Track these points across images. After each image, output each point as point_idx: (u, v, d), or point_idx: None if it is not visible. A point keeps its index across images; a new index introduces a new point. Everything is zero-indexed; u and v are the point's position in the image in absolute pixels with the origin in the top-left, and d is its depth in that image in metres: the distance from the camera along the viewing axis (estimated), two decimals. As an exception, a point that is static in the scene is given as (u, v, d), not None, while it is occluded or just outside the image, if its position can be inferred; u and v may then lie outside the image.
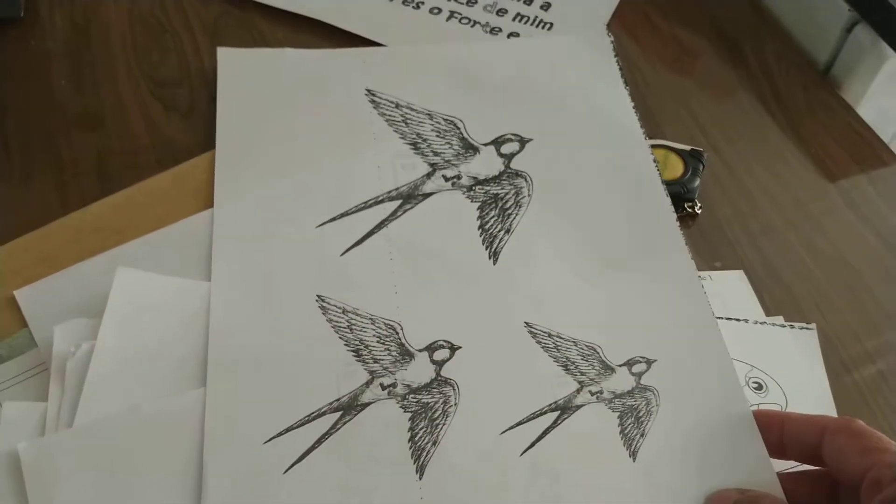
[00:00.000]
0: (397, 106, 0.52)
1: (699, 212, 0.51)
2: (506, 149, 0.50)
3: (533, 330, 0.43)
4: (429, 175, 0.49)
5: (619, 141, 0.50)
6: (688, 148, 0.52)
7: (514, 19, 0.61)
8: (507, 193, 0.48)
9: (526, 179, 0.49)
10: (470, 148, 0.50)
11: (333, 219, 0.47)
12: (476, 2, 0.62)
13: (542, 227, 0.47)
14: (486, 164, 0.50)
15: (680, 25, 0.62)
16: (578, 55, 0.55)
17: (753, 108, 0.57)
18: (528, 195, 0.48)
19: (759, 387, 0.42)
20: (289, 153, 0.49)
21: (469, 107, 0.52)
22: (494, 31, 0.60)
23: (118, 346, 0.40)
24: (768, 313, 0.47)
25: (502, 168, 0.49)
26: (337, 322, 0.43)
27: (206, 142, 0.51)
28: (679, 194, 0.50)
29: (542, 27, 0.61)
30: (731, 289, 0.46)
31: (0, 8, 0.57)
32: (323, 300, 0.44)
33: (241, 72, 0.53)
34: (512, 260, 0.46)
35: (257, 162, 0.49)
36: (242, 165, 0.49)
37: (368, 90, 0.52)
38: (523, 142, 0.50)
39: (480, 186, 0.48)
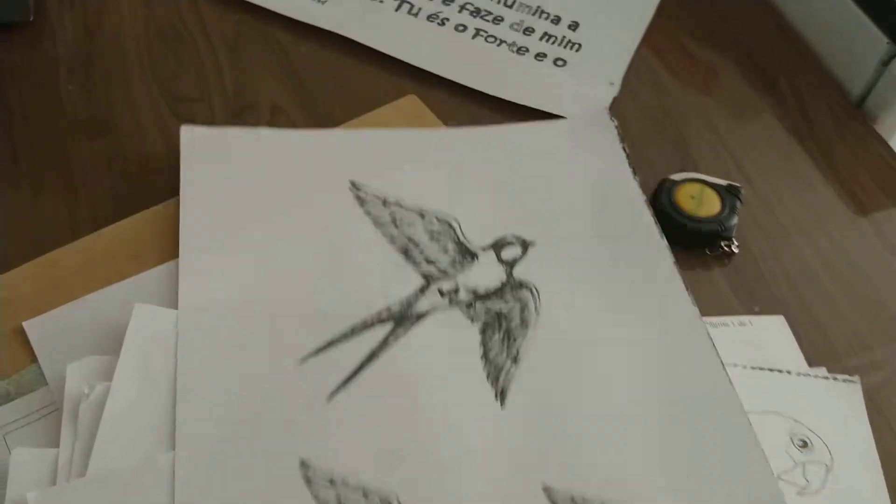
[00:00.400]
0: (385, 203, 0.46)
1: (736, 250, 0.49)
2: (507, 254, 0.45)
3: None
4: (423, 289, 0.43)
5: (631, 236, 0.47)
6: (724, 183, 0.50)
7: (541, 38, 0.59)
8: (511, 310, 0.43)
9: (532, 292, 0.44)
10: (467, 253, 0.45)
11: (318, 351, 0.40)
12: (502, 19, 0.60)
13: (551, 349, 0.42)
14: (485, 273, 0.44)
15: (710, 48, 0.60)
16: (582, 141, 0.51)
17: (785, 137, 0.56)
18: (535, 311, 0.43)
19: (804, 444, 0.40)
20: (262, 260, 0.43)
21: (464, 202, 0.47)
22: (521, 50, 0.58)
23: (135, 390, 0.38)
24: (809, 360, 0.45)
25: (504, 278, 0.44)
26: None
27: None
28: (716, 233, 0.48)
29: (570, 48, 0.59)
30: (771, 336, 0.44)
31: (9, 12, 0.54)
32: None
33: (210, 155, 0.47)
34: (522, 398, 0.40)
35: (224, 268, 0.43)
36: (208, 272, 0.43)
37: (353, 183, 0.47)
38: (525, 245, 0.46)
39: (481, 302, 0.43)
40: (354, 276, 0.44)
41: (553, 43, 0.59)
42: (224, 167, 0.47)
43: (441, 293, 0.43)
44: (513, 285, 0.44)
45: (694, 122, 0.55)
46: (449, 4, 0.60)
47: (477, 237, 0.46)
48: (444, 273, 0.44)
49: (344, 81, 0.54)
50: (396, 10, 0.60)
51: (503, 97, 0.55)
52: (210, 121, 0.51)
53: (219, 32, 0.55)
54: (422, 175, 0.48)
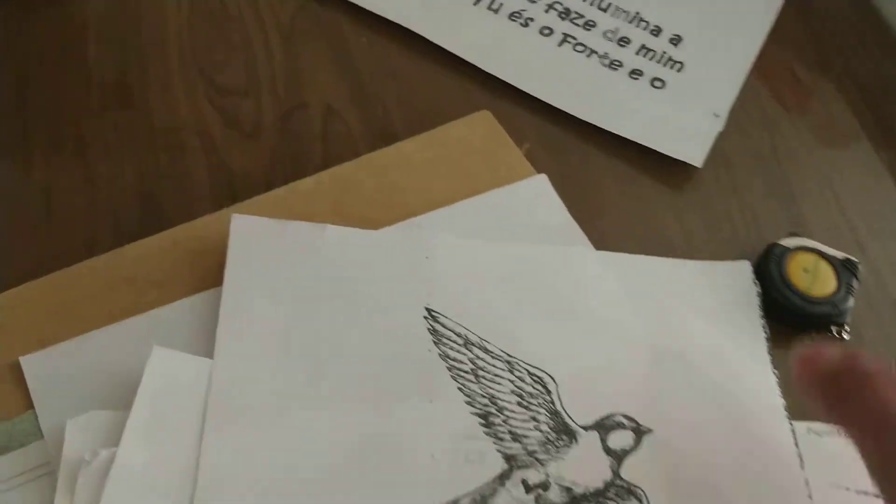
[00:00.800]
0: (467, 344, 0.37)
1: (847, 337, 0.42)
2: (615, 441, 0.35)
3: None
4: (503, 478, 0.33)
5: (761, 424, 0.37)
6: (840, 256, 0.43)
7: (637, 52, 0.51)
8: None
9: (641, 502, 0.34)
10: (564, 431, 0.35)
11: None
12: (594, 25, 0.52)
13: None
14: (586, 464, 0.35)
15: (826, 82, 0.52)
16: (720, 298, 0.40)
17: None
18: None
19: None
20: (300, 402, 0.35)
21: (568, 354, 0.37)
22: (614, 65, 0.51)
23: (144, 462, 0.32)
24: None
25: (610, 476, 0.34)
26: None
27: (272, 173, 0.43)
28: (828, 316, 0.41)
29: (671, 66, 0.51)
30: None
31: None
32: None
33: (262, 250, 0.39)
34: None
35: (252, 407, 0.35)
36: (236, 407, 0.35)
37: (430, 311, 0.38)
38: (640, 433, 0.36)
39: None
40: (413, 446, 0.35)
41: (651, 59, 0.51)
42: (277, 267, 0.38)
43: (527, 487, 0.33)
44: (619, 489, 0.34)
45: (807, 172, 0.48)
46: (535, 2, 0.53)
47: (578, 408, 0.36)
48: (533, 456, 0.34)
49: (407, 83, 0.47)
50: (476, 2, 0.52)
51: (589, 121, 0.48)
52: (255, 121, 0.45)
53: (273, 14, 0.48)
54: (518, 308, 0.39)
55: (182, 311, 0.37)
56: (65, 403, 0.34)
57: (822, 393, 0.30)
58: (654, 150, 0.46)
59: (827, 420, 0.31)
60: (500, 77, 0.49)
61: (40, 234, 0.40)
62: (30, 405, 0.34)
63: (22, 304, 0.37)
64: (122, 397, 0.34)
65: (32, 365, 0.35)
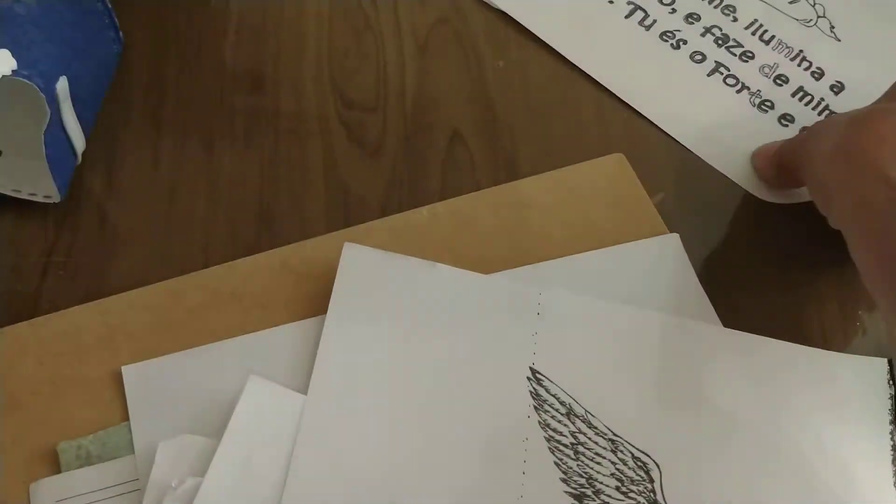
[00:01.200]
0: (570, 415, 0.35)
1: None
2: None
3: None
4: None
5: None
6: None
7: (794, 94, 0.47)
8: None
9: None
10: None
11: None
12: (753, 56, 0.48)
13: None
14: None
15: None
16: (844, 399, 0.37)
17: None
18: None
19: None
20: (386, 458, 0.34)
21: (675, 440, 0.35)
22: (764, 106, 0.47)
23: (228, 494, 0.32)
24: None
25: None
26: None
27: (388, 195, 0.42)
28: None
29: (826, 116, 0.47)
30: None
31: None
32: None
33: (369, 281, 0.37)
34: None
35: (341, 450, 0.34)
36: (324, 449, 0.34)
37: (535, 372, 0.36)
38: None
39: None
40: None
41: (807, 104, 0.47)
42: (382, 302, 0.37)
43: None
44: None
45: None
46: (692, 23, 0.49)
47: (682, 501, 0.34)
48: None
49: (541, 114, 0.45)
50: (627, 16, 0.49)
51: (732, 178, 0.44)
52: (379, 140, 0.43)
53: (411, 28, 0.46)
54: (629, 381, 0.36)
55: (283, 336, 0.37)
56: (159, 419, 0.34)
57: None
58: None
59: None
60: (641, 111, 0.46)
61: (160, 235, 0.40)
62: (125, 416, 0.35)
63: (131, 309, 0.37)
64: (214, 420, 0.34)
65: (132, 376, 0.35)
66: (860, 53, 0.49)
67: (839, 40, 0.49)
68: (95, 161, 0.41)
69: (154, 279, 0.38)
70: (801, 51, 0.49)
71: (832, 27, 0.50)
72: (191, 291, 0.38)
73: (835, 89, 0.48)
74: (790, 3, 0.50)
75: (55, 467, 0.34)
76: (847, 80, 0.48)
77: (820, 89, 0.48)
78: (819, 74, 0.48)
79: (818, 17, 0.50)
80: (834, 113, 0.47)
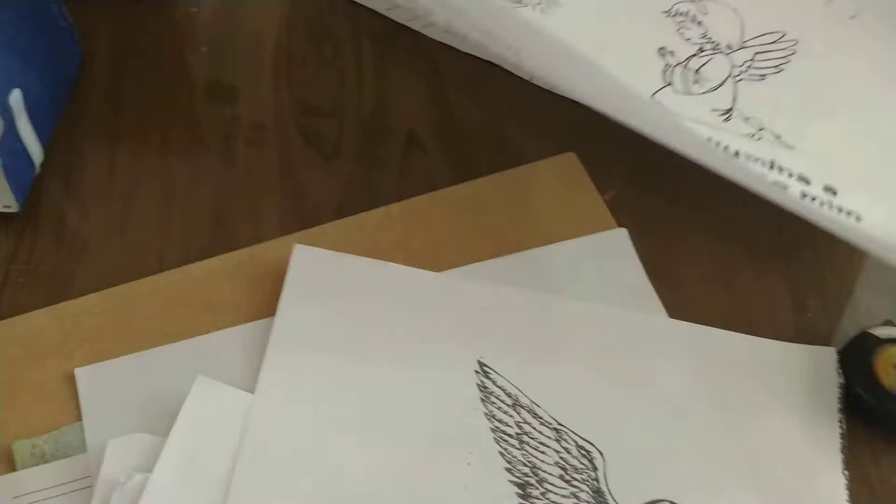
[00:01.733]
0: (516, 405, 0.35)
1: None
2: None
3: None
4: None
5: None
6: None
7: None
8: None
9: None
10: None
11: None
12: (761, 138, 0.39)
13: None
14: None
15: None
16: (791, 388, 0.37)
17: None
18: None
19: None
20: (334, 455, 0.34)
21: (619, 428, 0.35)
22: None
23: (175, 491, 0.33)
24: None
25: None
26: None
27: (345, 199, 0.42)
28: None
29: (845, 215, 0.42)
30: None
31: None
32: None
33: (320, 281, 0.38)
34: None
35: (289, 449, 0.34)
36: (271, 447, 0.34)
37: (482, 364, 0.37)
38: None
39: None
40: None
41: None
42: (332, 303, 0.38)
43: None
44: None
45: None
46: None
47: (625, 489, 0.34)
48: None
49: (497, 116, 0.46)
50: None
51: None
52: (337, 142, 0.44)
53: (370, 33, 0.47)
54: (576, 373, 0.37)
55: (235, 337, 0.37)
56: (111, 419, 0.35)
57: None
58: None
59: None
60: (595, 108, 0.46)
61: (116, 241, 0.41)
62: (79, 416, 0.36)
63: (86, 313, 0.38)
64: (165, 421, 0.34)
65: (86, 378, 0.36)
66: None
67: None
68: (54, 170, 0.42)
69: (112, 284, 0.39)
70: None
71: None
72: (145, 296, 0.39)
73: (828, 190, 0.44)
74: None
75: (10, 466, 0.35)
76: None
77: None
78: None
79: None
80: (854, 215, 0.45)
